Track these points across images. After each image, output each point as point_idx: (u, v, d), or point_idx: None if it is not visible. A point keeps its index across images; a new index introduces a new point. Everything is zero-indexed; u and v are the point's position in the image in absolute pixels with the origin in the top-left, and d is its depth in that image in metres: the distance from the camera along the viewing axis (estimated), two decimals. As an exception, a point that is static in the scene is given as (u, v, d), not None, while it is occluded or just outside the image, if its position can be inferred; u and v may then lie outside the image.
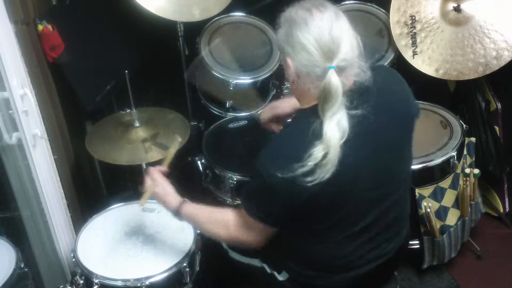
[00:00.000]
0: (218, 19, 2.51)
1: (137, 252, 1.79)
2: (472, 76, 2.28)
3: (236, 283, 1.98)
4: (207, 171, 2.14)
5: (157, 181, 1.63)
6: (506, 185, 2.58)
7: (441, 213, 2.17)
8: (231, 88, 2.34)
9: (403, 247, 1.64)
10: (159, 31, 2.38)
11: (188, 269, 1.74)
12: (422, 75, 2.35)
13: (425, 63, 2.33)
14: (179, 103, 2.53)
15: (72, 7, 2.26)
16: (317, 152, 1.25)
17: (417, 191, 2.10)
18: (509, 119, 2.50)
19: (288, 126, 1.44)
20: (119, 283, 1.68)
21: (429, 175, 2.13)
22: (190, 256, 1.76)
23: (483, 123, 2.45)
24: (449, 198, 2.18)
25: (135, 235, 1.86)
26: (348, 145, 1.28)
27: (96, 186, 2.64)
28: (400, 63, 2.41)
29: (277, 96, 2.40)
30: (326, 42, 1.27)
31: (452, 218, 2.21)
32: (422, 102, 2.41)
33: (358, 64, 1.32)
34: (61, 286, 1.80)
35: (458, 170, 2.18)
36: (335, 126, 1.26)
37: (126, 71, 2.09)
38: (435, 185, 2.14)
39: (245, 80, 2.37)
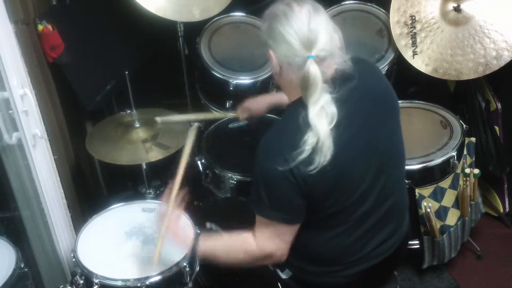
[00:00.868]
0: (218, 19, 2.51)
1: (137, 252, 1.79)
2: (472, 76, 2.28)
3: (237, 282, 1.98)
4: (207, 171, 2.14)
5: (167, 227, 1.60)
6: (506, 185, 2.58)
7: (441, 213, 2.17)
8: (231, 88, 2.34)
9: (404, 242, 1.64)
10: (159, 31, 2.39)
11: (188, 269, 1.74)
12: (422, 75, 2.35)
13: (425, 63, 2.33)
14: (179, 103, 2.53)
15: (72, 7, 2.26)
16: (311, 137, 1.31)
17: (417, 191, 2.10)
18: (509, 119, 2.50)
19: (278, 121, 1.48)
20: (119, 283, 1.67)
21: (429, 175, 2.13)
22: (190, 256, 1.76)
23: (483, 123, 2.45)
24: (449, 198, 2.18)
25: (135, 235, 1.86)
26: (340, 126, 1.34)
27: (96, 186, 2.64)
28: (400, 63, 2.41)
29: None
30: (304, 33, 1.34)
31: (452, 218, 2.21)
32: (422, 102, 2.41)
33: (339, 55, 1.39)
34: (61, 286, 1.79)
35: (458, 170, 2.18)
36: (321, 112, 1.32)
37: (127, 72, 2.10)
38: (435, 185, 2.14)
39: (245, 80, 2.37)
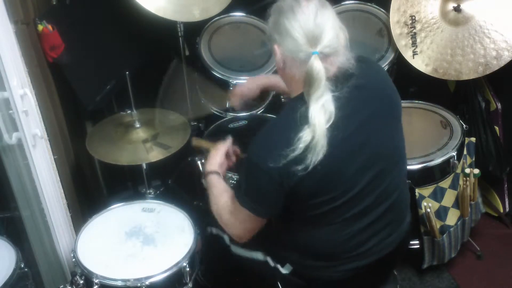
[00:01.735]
0: (218, 19, 2.51)
1: (137, 252, 1.79)
2: (472, 76, 2.28)
3: (237, 282, 1.98)
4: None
5: (219, 149, 1.72)
6: (506, 185, 2.58)
7: (441, 213, 2.17)
8: (231, 88, 2.34)
9: (404, 241, 1.64)
10: (159, 31, 2.38)
11: (188, 269, 1.74)
12: (422, 75, 2.35)
13: (425, 63, 2.33)
14: (179, 103, 2.52)
15: (72, 7, 2.26)
16: (306, 135, 1.31)
17: (417, 191, 2.10)
18: (509, 119, 2.50)
19: (277, 116, 1.48)
20: (119, 283, 1.68)
21: (429, 175, 2.13)
22: (190, 256, 1.76)
23: (483, 123, 2.45)
24: (449, 198, 2.18)
25: (135, 235, 1.86)
26: (336, 126, 1.34)
27: (96, 186, 2.64)
28: (400, 63, 2.41)
29: (277, 96, 2.40)
30: (310, 29, 1.33)
31: (452, 218, 2.21)
32: (422, 102, 2.42)
33: (343, 53, 1.39)
34: (61, 286, 1.79)
35: (458, 170, 2.18)
36: (321, 109, 1.32)
37: (127, 72, 2.10)
38: (435, 185, 2.14)
39: (245, 80, 2.36)
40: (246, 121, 2.32)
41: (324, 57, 1.34)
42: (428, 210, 2.10)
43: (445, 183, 2.16)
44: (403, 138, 1.56)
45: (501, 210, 2.61)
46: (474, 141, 2.33)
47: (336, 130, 1.34)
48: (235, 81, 2.34)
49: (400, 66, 2.43)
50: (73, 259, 1.77)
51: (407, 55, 2.35)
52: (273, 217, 1.55)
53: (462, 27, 2.28)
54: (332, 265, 1.54)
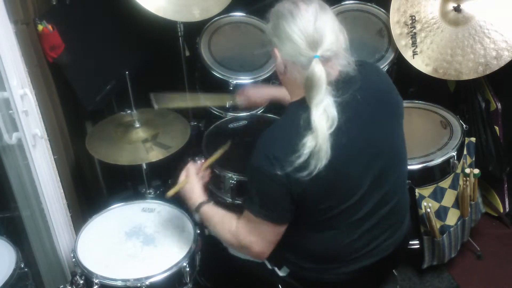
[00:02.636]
0: (218, 19, 2.51)
1: (137, 252, 1.79)
2: (472, 76, 2.28)
3: (237, 282, 1.98)
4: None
5: (190, 178, 1.67)
6: (506, 185, 2.58)
7: (441, 213, 2.17)
8: (231, 88, 2.34)
9: (404, 243, 1.64)
10: (159, 31, 2.38)
11: (188, 269, 1.74)
12: (422, 75, 2.35)
13: (425, 63, 2.33)
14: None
15: (72, 7, 2.26)
16: (310, 141, 1.30)
17: (417, 191, 2.10)
18: (509, 119, 2.50)
19: (279, 120, 1.47)
20: (119, 283, 1.68)
21: (429, 175, 2.13)
22: (190, 256, 1.76)
23: (483, 123, 2.45)
24: (449, 198, 2.18)
25: (135, 235, 1.86)
26: (338, 130, 1.32)
27: (96, 186, 2.64)
28: (400, 63, 2.41)
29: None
30: (310, 32, 1.32)
31: (452, 218, 2.21)
32: (422, 102, 2.41)
33: (343, 56, 1.37)
34: (61, 286, 1.79)
35: (458, 170, 2.18)
36: (322, 114, 1.31)
37: (127, 72, 2.10)
38: (435, 185, 2.14)
39: (245, 80, 2.37)
40: (246, 121, 2.32)
41: (325, 60, 1.32)
42: (428, 210, 2.10)
43: (445, 183, 2.16)
44: (404, 141, 1.56)
45: (501, 210, 2.61)
46: (474, 141, 2.33)
47: (339, 134, 1.32)
48: (235, 81, 2.34)
49: (400, 66, 2.43)
50: (73, 259, 1.77)
51: (407, 55, 2.35)
52: None
53: (462, 27, 2.28)
54: (332, 268, 1.53)
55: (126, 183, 2.77)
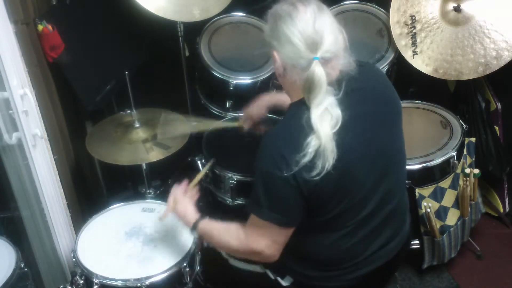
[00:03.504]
0: (218, 19, 2.51)
1: (137, 252, 1.79)
2: (472, 76, 2.28)
3: (236, 283, 1.98)
4: (207, 171, 2.14)
5: (179, 200, 1.66)
6: (506, 185, 2.58)
7: (441, 213, 2.17)
8: (231, 88, 2.34)
9: (406, 244, 1.64)
10: (159, 31, 2.38)
11: (188, 269, 1.74)
12: (422, 75, 2.35)
13: (425, 63, 2.33)
14: (179, 103, 2.53)
15: (72, 7, 2.26)
16: (313, 140, 1.29)
17: (417, 191, 2.10)
18: (509, 119, 2.50)
19: (281, 121, 1.46)
20: (119, 283, 1.68)
21: (429, 175, 2.13)
22: (190, 256, 1.76)
23: (483, 123, 2.45)
24: (449, 198, 2.18)
25: (135, 235, 1.86)
26: (343, 128, 1.31)
27: (96, 186, 2.64)
28: (400, 63, 2.41)
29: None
30: (310, 34, 1.31)
31: (452, 218, 2.21)
32: (422, 102, 2.41)
33: (343, 56, 1.37)
34: (61, 286, 1.79)
35: (458, 170, 2.18)
36: (323, 114, 1.30)
37: (127, 72, 2.10)
38: (435, 185, 2.14)
39: (245, 80, 2.37)
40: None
41: (325, 62, 1.32)
42: (428, 210, 2.10)
43: (445, 183, 2.16)
44: (403, 141, 1.56)
45: (501, 210, 2.61)
46: (474, 141, 2.33)
47: (344, 132, 1.31)
48: (235, 81, 2.34)
49: (400, 66, 2.43)
50: (73, 259, 1.77)
51: (407, 55, 2.35)
52: None
53: (462, 27, 2.28)
54: (335, 275, 1.52)
55: (126, 183, 2.77)
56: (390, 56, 2.41)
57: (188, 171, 2.47)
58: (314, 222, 1.45)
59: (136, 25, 2.35)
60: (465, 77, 2.29)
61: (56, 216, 1.91)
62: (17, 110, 1.64)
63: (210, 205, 2.24)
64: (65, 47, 2.08)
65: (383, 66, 2.36)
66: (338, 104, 1.32)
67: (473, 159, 2.33)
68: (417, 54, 2.34)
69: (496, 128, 2.49)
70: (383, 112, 1.47)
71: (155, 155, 2.05)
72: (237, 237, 1.48)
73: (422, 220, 2.16)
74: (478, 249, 2.45)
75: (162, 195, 2.37)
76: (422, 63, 2.33)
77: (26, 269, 1.77)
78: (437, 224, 2.16)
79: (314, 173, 1.29)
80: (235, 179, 2.03)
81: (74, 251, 1.78)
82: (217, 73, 2.36)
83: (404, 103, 2.38)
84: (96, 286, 1.67)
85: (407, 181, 1.99)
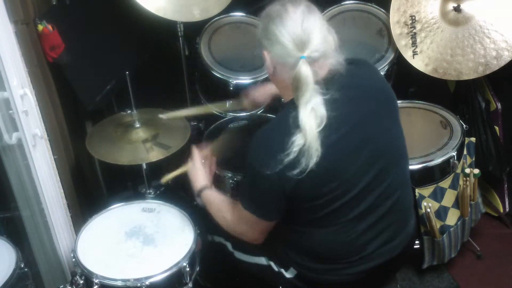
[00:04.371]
0: (218, 19, 2.51)
1: (137, 252, 1.79)
2: (472, 76, 2.28)
3: (237, 282, 1.98)
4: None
5: (195, 161, 1.77)
6: (506, 185, 2.58)
7: (441, 213, 2.17)
8: (231, 88, 2.34)
9: (409, 244, 1.65)
10: (159, 31, 2.38)
11: (188, 269, 1.74)
12: (422, 75, 2.35)
13: (425, 63, 2.33)
14: (179, 103, 2.52)
15: (72, 7, 2.26)
16: (298, 139, 1.33)
17: (417, 191, 2.10)
18: (509, 119, 2.50)
19: (271, 121, 1.49)
20: (119, 283, 1.68)
21: (429, 175, 2.13)
22: (190, 256, 1.76)
23: (483, 123, 2.45)
24: (449, 198, 2.18)
25: (135, 235, 1.86)
26: (329, 128, 1.35)
27: (96, 186, 2.64)
28: (400, 63, 2.41)
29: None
30: (298, 34, 1.35)
31: (452, 218, 2.21)
32: (422, 102, 2.41)
33: (333, 55, 1.40)
34: (61, 286, 1.79)
35: (458, 170, 2.18)
36: (310, 113, 1.33)
37: (127, 72, 2.10)
38: (435, 185, 2.14)
39: (245, 80, 2.37)
40: (246, 121, 2.32)
41: (312, 61, 1.35)
42: (428, 210, 2.10)
43: (445, 183, 2.16)
44: (403, 137, 1.56)
45: (501, 210, 2.61)
46: (474, 141, 2.33)
47: (329, 131, 1.35)
48: (235, 81, 2.34)
49: (400, 66, 2.43)
50: (73, 259, 1.77)
51: (407, 55, 2.35)
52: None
53: (462, 27, 2.28)
54: (338, 268, 1.53)
55: (126, 183, 2.77)
56: (390, 56, 2.41)
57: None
58: (309, 218, 1.47)
59: (136, 25, 2.35)
60: (465, 77, 2.29)
61: (56, 216, 1.91)
62: (17, 110, 1.64)
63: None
64: (65, 47, 2.08)
65: (383, 66, 2.36)
66: (326, 103, 1.35)
67: (473, 159, 2.33)
68: (417, 54, 2.34)
69: (496, 128, 2.49)
70: (375, 109, 1.47)
71: (155, 155, 2.05)
72: (225, 216, 1.62)
73: (422, 220, 2.16)
74: (478, 249, 2.45)
75: (162, 195, 2.37)
76: (422, 63, 2.33)
77: (26, 269, 1.77)
78: (437, 224, 2.16)
79: (297, 170, 1.33)
80: (235, 179, 2.03)
81: (74, 251, 1.78)
82: (217, 73, 2.36)
83: (404, 103, 2.38)
84: (96, 286, 1.67)
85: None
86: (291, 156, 1.32)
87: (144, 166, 2.23)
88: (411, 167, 2.05)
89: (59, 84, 2.17)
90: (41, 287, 2.04)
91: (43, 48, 2.03)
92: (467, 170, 2.20)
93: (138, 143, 2.10)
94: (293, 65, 1.35)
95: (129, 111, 2.24)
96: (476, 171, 2.21)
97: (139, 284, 1.67)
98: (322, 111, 1.34)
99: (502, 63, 2.22)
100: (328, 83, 1.38)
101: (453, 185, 2.18)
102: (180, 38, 2.44)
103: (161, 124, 2.19)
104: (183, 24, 2.39)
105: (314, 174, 1.34)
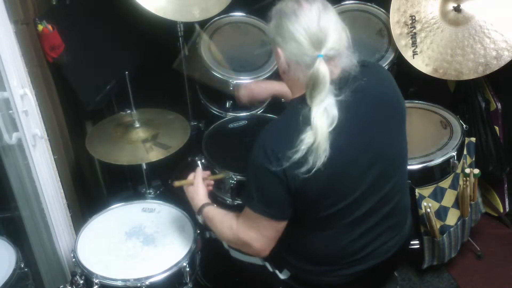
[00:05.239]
0: (218, 19, 2.51)
1: (137, 252, 1.79)
2: (472, 76, 2.28)
3: (236, 282, 1.98)
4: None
5: (197, 182, 1.71)
6: (506, 185, 2.58)
7: (441, 213, 2.17)
8: (231, 88, 2.34)
9: (405, 244, 1.64)
10: (159, 31, 2.38)
11: (188, 269, 1.74)
12: (422, 75, 2.35)
13: (425, 63, 2.33)
14: (179, 103, 2.53)
15: (72, 7, 2.26)
16: (308, 137, 1.30)
17: (417, 191, 2.10)
18: (509, 119, 2.50)
19: (279, 116, 1.47)
20: (119, 283, 1.68)
21: (429, 175, 2.13)
22: (190, 256, 1.76)
23: (483, 123, 2.45)
24: (449, 198, 2.18)
25: (135, 235, 1.86)
26: (339, 129, 1.32)
27: (96, 186, 2.64)
28: (400, 63, 2.41)
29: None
30: (314, 32, 1.32)
31: (452, 218, 2.21)
32: (422, 102, 2.42)
33: (346, 54, 1.37)
34: (61, 286, 1.79)
35: (458, 170, 2.18)
36: (323, 113, 1.31)
37: (127, 72, 2.10)
38: (435, 185, 2.14)
39: (245, 80, 2.36)
40: (246, 121, 2.32)
41: (328, 59, 1.32)
42: (428, 210, 2.10)
43: (445, 183, 2.16)
44: (406, 142, 1.55)
45: (501, 210, 2.61)
46: (474, 141, 2.33)
47: (339, 133, 1.32)
48: (235, 81, 2.34)
49: (400, 66, 2.43)
50: (73, 259, 1.77)
51: (407, 55, 2.35)
52: None
53: (462, 27, 2.28)
54: (333, 270, 1.53)
55: (126, 183, 2.77)
56: (390, 56, 2.41)
57: (188, 171, 2.47)
58: (308, 219, 1.46)
59: (136, 25, 2.35)
60: (465, 77, 2.29)
61: (56, 216, 1.91)
62: (17, 110, 1.64)
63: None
64: (65, 47, 2.08)
65: (383, 66, 2.36)
66: (337, 105, 1.33)
67: (473, 159, 2.33)
68: (417, 54, 2.34)
69: (496, 128, 2.49)
70: (383, 114, 1.46)
71: (155, 155, 2.05)
72: (231, 226, 1.53)
73: (422, 220, 2.16)
74: (478, 249, 2.45)
75: (162, 195, 2.37)
76: (422, 63, 2.33)
77: (26, 269, 1.77)
78: (437, 224, 2.16)
79: (304, 169, 1.31)
80: (235, 179, 2.03)
81: (74, 251, 1.79)
82: (217, 73, 2.36)
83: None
84: (96, 286, 1.68)
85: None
86: (299, 154, 1.30)
87: (144, 166, 2.23)
88: (411, 167, 2.06)
89: (59, 84, 2.17)
90: (41, 287, 2.04)
91: (43, 48, 2.03)
92: (467, 170, 2.20)
93: (138, 143, 2.10)
94: (310, 64, 1.32)
95: (129, 111, 2.24)
96: (476, 171, 2.21)
97: (139, 284, 1.67)
98: (334, 111, 1.32)
99: (502, 63, 2.22)
100: (341, 84, 1.36)
101: (453, 185, 2.18)
102: (180, 38, 2.44)
103: (161, 124, 2.19)
104: (183, 24, 2.39)
105: (320, 175, 1.32)
